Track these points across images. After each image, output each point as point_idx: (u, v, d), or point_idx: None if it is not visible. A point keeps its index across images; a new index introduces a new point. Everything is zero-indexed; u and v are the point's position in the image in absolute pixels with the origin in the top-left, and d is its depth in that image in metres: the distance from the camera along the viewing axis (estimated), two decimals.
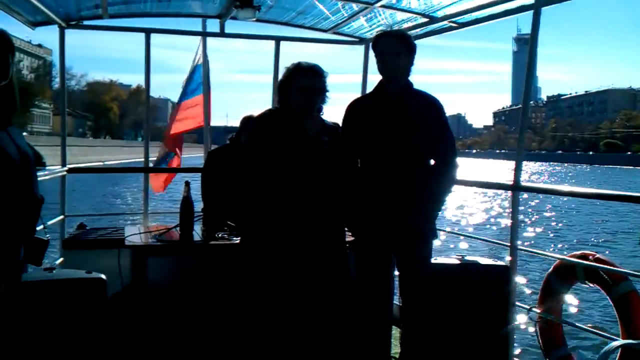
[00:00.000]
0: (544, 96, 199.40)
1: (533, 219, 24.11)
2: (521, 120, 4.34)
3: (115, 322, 4.04)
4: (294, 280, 3.45)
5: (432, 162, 3.66)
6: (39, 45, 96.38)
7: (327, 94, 3.55)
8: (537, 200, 29.29)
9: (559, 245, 18.10)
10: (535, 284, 7.23)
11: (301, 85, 3.44)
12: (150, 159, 6.17)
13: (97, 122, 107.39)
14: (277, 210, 3.40)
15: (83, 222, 5.61)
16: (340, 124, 3.65)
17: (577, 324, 4.14)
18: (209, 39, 6.42)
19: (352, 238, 3.80)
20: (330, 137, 3.45)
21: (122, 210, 21.66)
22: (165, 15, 5.83)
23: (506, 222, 19.29)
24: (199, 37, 6.42)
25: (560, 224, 24.04)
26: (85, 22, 5.52)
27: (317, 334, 3.59)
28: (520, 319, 4.42)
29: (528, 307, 4.22)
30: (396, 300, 4.43)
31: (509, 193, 4.35)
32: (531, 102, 4.39)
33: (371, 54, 3.73)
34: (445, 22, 5.18)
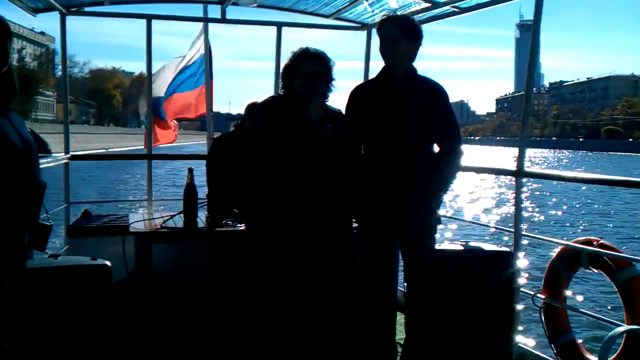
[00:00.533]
0: (546, 83, 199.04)
1: (536, 205, 24.09)
2: (524, 107, 4.33)
3: (120, 308, 4.05)
4: (298, 267, 3.45)
5: (436, 148, 3.65)
6: (42, 33, 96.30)
7: (333, 82, 3.54)
8: (539, 186, 29.27)
9: (563, 231, 18.11)
10: (539, 270, 7.23)
11: (306, 71, 3.42)
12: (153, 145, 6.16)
13: (101, 109, 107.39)
14: (280, 198, 3.40)
15: (87, 209, 5.62)
16: (344, 111, 3.64)
17: (581, 310, 4.15)
18: (210, 25, 6.40)
19: (357, 224, 3.81)
20: (333, 123, 3.44)
21: (126, 197, 21.72)
22: (167, 0, 5.81)
23: (509, 208, 19.30)
24: (200, 24, 6.40)
25: (563, 211, 24.04)
26: (86, 9, 5.51)
27: (321, 321, 3.60)
28: (525, 305, 4.42)
29: (532, 293, 4.23)
30: (401, 287, 4.45)
31: (513, 179, 4.34)
32: (534, 89, 4.39)
33: (374, 39, 3.72)
34: (447, 7, 5.14)
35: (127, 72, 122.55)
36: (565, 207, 24.92)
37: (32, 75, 77.54)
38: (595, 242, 4.01)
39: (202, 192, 4.50)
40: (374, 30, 5.30)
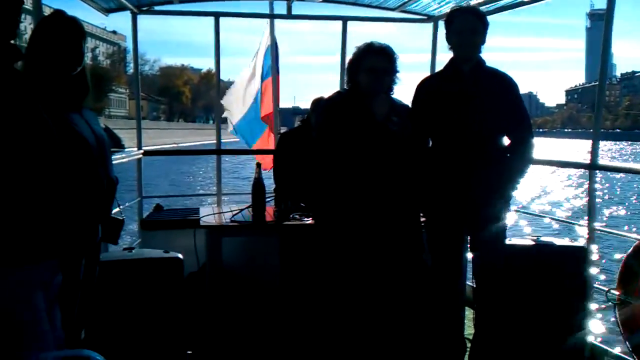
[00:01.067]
0: (618, 73, 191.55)
1: (610, 199, 23.31)
2: (597, 98, 4.19)
3: (192, 300, 4.16)
4: (366, 262, 3.46)
5: (507, 141, 3.59)
6: (114, 32, 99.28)
7: (398, 75, 3.52)
8: (613, 180, 28.28)
9: (639, 226, 17.46)
10: (614, 265, 7.00)
11: (371, 66, 3.41)
12: (224, 140, 6.27)
13: (171, 105, 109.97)
14: (348, 193, 3.41)
15: (159, 203, 5.78)
16: (410, 104, 3.62)
17: None
18: (276, 21, 6.46)
19: (425, 219, 3.79)
20: (400, 117, 3.42)
21: (195, 189, 22.17)
22: None
23: (582, 202, 18.75)
24: (266, 20, 6.47)
25: (638, 205, 23.16)
26: (156, 7, 5.66)
27: (390, 315, 3.60)
28: (598, 301, 4.30)
29: (606, 289, 4.10)
30: (469, 282, 4.40)
31: (585, 172, 4.22)
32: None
33: (440, 32, 3.67)
34: None
35: (195, 69, 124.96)
36: None
37: (105, 74, 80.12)
38: None
39: (269, 186, 4.55)
40: (440, 23, 5.23)
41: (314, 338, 3.93)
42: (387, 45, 3.48)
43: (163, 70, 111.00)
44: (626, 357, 3.97)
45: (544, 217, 10.34)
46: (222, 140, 6.11)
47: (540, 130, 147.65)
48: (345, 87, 3.60)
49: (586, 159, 4.19)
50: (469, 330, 4.10)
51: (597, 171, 4.19)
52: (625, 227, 16.14)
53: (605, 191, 25.34)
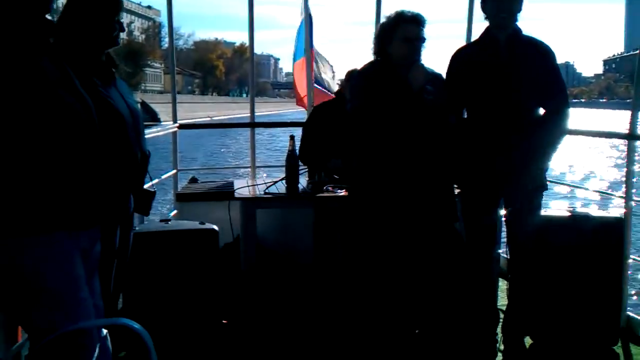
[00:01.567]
0: None
1: None
2: (638, 66, 4.09)
3: (227, 270, 4.23)
4: (400, 232, 3.47)
5: (542, 111, 3.53)
6: (149, 7, 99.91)
7: (425, 42, 3.47)
8: None
9: None
10: None
11: (405, 36, 3.37)
12: (257, 114, 6.29)
13: (205, 79, 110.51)
14: (385, 164, 3.40)
15: (194, 176, 5.84)
16: (444, 74, 3.58)
17: None
18: None
19: (459, 189, 3.77)
20: (435, 87, 3.39)
21: (229, 162, 22.34)
22: None
23: (619, 174, 18.39)
24: None
25: None
26: None
27: (424, 286, 3.62)
28: (635, 274, 4.25)
29: None
30: (503, 253, 4.38)
31: (623, 143, 4.14)
32: None
33: (476, 1, 3.60)
34: None
35: (228, 43, 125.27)
36: None
37: (141, 48, 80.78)
38: None
39: None
40: None
41: (348, 309, 3.98)
42: (418, 13, 3.42)
43: (197, 44, 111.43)
44: None
45: (581, 187, 10.18)
46: (255, 114, 6.13)
47: (577, 100, 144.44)
48: (374, 57, 3.55)
49: (625, 129, 4.11)
50: (502, 301, 4.09)
51: (637, 142, 4.11)
52: None
53: None
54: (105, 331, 2.37)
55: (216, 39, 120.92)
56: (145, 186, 2.95)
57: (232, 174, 9.96)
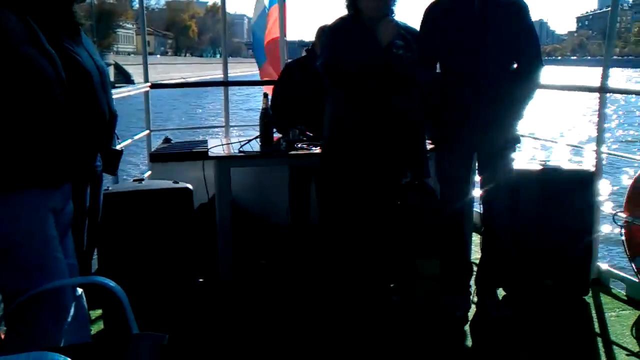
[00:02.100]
0: None
1: (620, 124, 23.12)
2: (610, 21, 4.10)
3: (202, 229, 4.22)
4: (371, 189, 3.49)
5: (515, 66, 3.54)
6: None
7: None
8: (624, 105, 27.97)
9: None
10: (623, 189, 7.00)
11: None
12: (229, 74, 6.22)
13: (177, 40, 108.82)
14: (353, 120, 3.40)
15: (168, 136, 5.78)
16: (418, 28, 3.56)
17: None
18: None
19: (433, 145, 3.79)
20: (406, 41, 3.36)
21: (204, 123, 22.15)
22: None
23: (592, 129, 18.60)
24: None
25: None
26: None
27: (393, 240, 3.67)
28: (605, 224, 4.33)
29: (614, 212, 4.12)
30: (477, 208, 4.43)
31: (596, 97, 4.17)
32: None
33: None
34: None
35: (201, 2, 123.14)
36: None
37: (112, 9, 79.11)
38: None
39: None
40: None
41: (320, 259, 4.02)
42: None
43: (169, 4, 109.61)
44: (632, 278, 4.03)
45: (553, 142, 10.21)
46: (229, 74, 6.06)
47: (550, 57, 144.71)
48: (346, 11, 3.50)
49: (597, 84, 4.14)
50: (476, 255, 4.16)
51: (608, 95, 4.15)
52: (636, 152, 16.06)
53: (617, 116, 25.11)
54: (80, 290, 2.37)
55: None
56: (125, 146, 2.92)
57: (207, 134, 9.91)
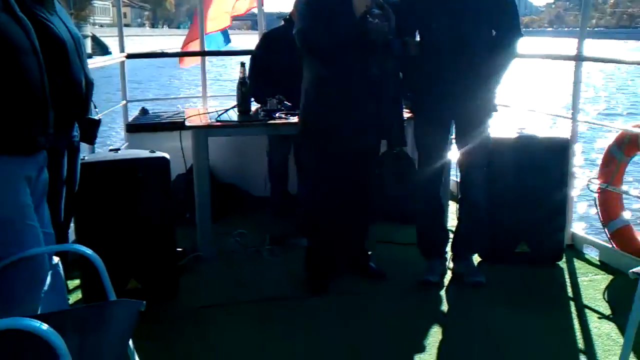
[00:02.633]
0: None
1: (596, 93, 23.32)
2: None
3: (180, 199, 4.22)
4: (347, 157, 3.51)
5: (494, 34, 3.54)
6: None
7: None
8: (600, 74, 28.19)
9: (623, 119, 17.55)
10: (597, 156, 7.09)
11: None
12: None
13: (154, 11, 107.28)
14: (330, 89, 3.40)
15: (144, 107, 5.73)
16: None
17: (637, 195, 4.09)
18: None
19: (410, 114, 3.80)
20: (382, 9, 3.35)
21: (182, 94, 21.90)
22: None
23: (567, 97, 18.74)
24: None
25: (624, 98, 23.18)
26: None
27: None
28: (580, 191, 4.38)
29: (588, 178, 4.18)
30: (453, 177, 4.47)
31: (571, 65, 4.20)
32: None
33: None
34: None
35: None
36: (626, 95, 24.01)
37: None
38: None
39: None
40: None
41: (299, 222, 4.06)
42: None
43: None
44: (605, 244, 4.11)
45: (530, 111, 10.27)
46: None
47: (527, 29, 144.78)
48: None
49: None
50: (452, 222, 4.20)
51: (583, 63, 4.17)
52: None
53: (593, 85, 25.31)
54: (56, 259, 2.36)
55: None
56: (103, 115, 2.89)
57: (184, 104, 9.80)
